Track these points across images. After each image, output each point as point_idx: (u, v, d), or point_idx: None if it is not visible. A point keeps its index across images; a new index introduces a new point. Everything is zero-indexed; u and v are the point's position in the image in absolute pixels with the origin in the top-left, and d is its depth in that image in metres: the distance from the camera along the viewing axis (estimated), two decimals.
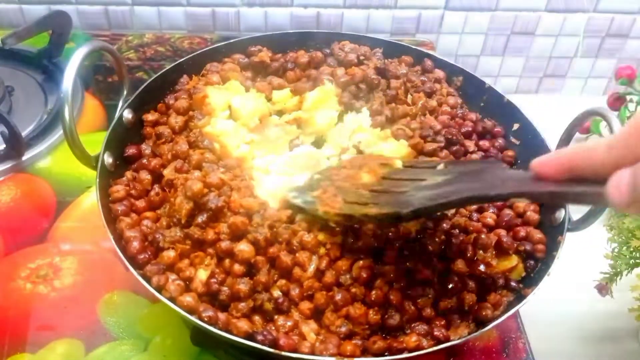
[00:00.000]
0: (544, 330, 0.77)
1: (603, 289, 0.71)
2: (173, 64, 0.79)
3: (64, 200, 0.83)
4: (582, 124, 0.71)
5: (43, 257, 0.76)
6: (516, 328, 0.74)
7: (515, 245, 0.65)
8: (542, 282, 0.60)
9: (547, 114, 0.76)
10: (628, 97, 1.00)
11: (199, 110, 0.73)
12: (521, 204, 0.71)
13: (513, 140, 0.78)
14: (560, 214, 0.67)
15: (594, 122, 1.00)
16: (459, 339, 0.58)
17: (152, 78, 0.76)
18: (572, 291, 0.80)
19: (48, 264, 0.75)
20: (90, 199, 0.82)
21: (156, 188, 0.67)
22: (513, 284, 0.63)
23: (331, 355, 0.55)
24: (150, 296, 0.72)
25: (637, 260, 0.69)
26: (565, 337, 0.78)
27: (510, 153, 0.77)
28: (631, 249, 0.69)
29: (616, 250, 0.70)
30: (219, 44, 0.82)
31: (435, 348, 0.57)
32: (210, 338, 0.57)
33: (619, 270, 0.69)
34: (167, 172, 0.67)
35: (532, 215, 0.69)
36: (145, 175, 0.68)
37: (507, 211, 0.70)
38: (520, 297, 0.62)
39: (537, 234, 0.67)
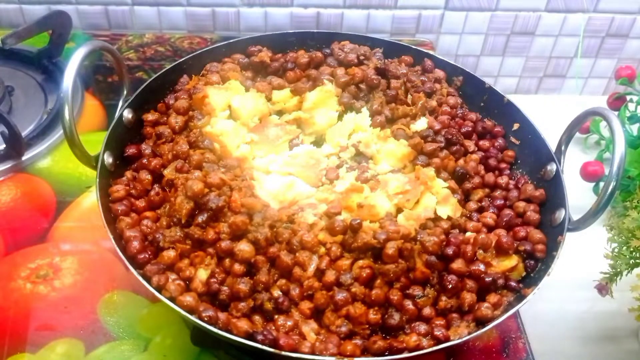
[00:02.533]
0: (544, 330, 0.77)
1: (603, 289, 0.71)
2: (173, 64, 0.79)
3: (64, 200, 0.83)
4: (582, 124, 0.71)
5: (43, 257, 0.76)
6: (516, 328, 0.74)
7: (515, 245, 0.65)
8: (542, 282, 0.60)
9: (547, 114, 0.76)
10: (628, 97, 1.00)
11: (198, 110, 0.73)
12: (521, 204, 0.71)
13: (513, 140, 0.78)
14: (561, 214, 0.67)
15: (593, 122, 1.00)
16: (458, 339, 0.58)
17: (152, 78, 0.76)
18: (572, 291, 0.80)
19: (48, 264, 0.75)
20: (90, 199, 0.82)
21: (156, 188, 0.67)
22: (513, 284, 0.63)
23: (331, 355, 0.55)
24: (150, 296, 0.72)
25: (637, 260, 0.69)
26: (565, 337, 0.78)
27: (510, 153, 0.77)
28: (631, 249, 0.69)
29: (616, 250, 0.70)
30: (219, 44, 0.82)
31: (435, 348, 0.57)
32: (210, 338, 0.57)
33: (619, 270, 0.69)
34: (168, 172, 0.67)
35: (532, 215, 0.69)
36: (145, 175, 0.68)
37: (507, 211, 0.71)
38: (520, 297, 0.62)
39: (537, 234, 0.67)
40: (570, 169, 0.69)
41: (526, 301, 0.59)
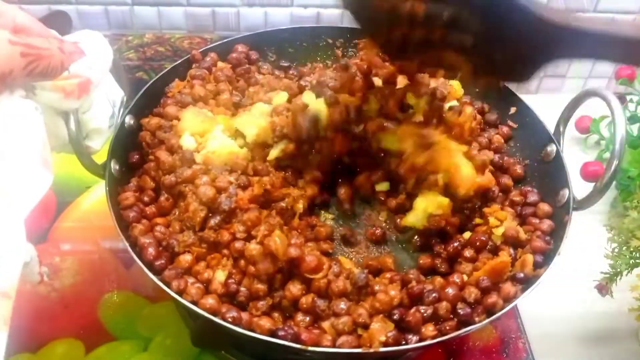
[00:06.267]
0: (544, 330, 0.77)
1: (603, 289, 0.71)
2: (170, 67, 0.77)
3: (64, 200, 0.83)
4: (579, 105, 0.70)
5: (43, 257, 0.75)
6: (516, 328, 0.74)
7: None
8: (553, 262, 0.60)
9: (547, 114, 0.76)
10: (628, 97, 1.00)
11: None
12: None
13: (511, 124, 0.78)
14: (565, 194, 0.66)
15: (593, 122, 1.00)
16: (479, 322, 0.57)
17: (149, 83, 0.74)
18: (572, 291, 0.80)
19: (48, 264, 0.75)
20: (90, 199, 0.82)
21: (165, 194, 0.65)
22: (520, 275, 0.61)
23: (352, 347, 0.55)
24: (150, 296, 0.72)
25: (637, 260, 0.69)
26: (565, 337, 0.78)
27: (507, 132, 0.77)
28: (631, 249, 0.69)
29: (616, 250, 0.70)
30: (214, 44, 0.82)
31: (440, 339, 0.56)
32: (210, 338, 0.57)
33: (619, 270, 0.69)
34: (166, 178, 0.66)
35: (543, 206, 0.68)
36: (148, 181, 0.67)
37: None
38: (533, 277, 0.60)
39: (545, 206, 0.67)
40: (570, 169, 0.68)
41: (539, 282, 0.58)
